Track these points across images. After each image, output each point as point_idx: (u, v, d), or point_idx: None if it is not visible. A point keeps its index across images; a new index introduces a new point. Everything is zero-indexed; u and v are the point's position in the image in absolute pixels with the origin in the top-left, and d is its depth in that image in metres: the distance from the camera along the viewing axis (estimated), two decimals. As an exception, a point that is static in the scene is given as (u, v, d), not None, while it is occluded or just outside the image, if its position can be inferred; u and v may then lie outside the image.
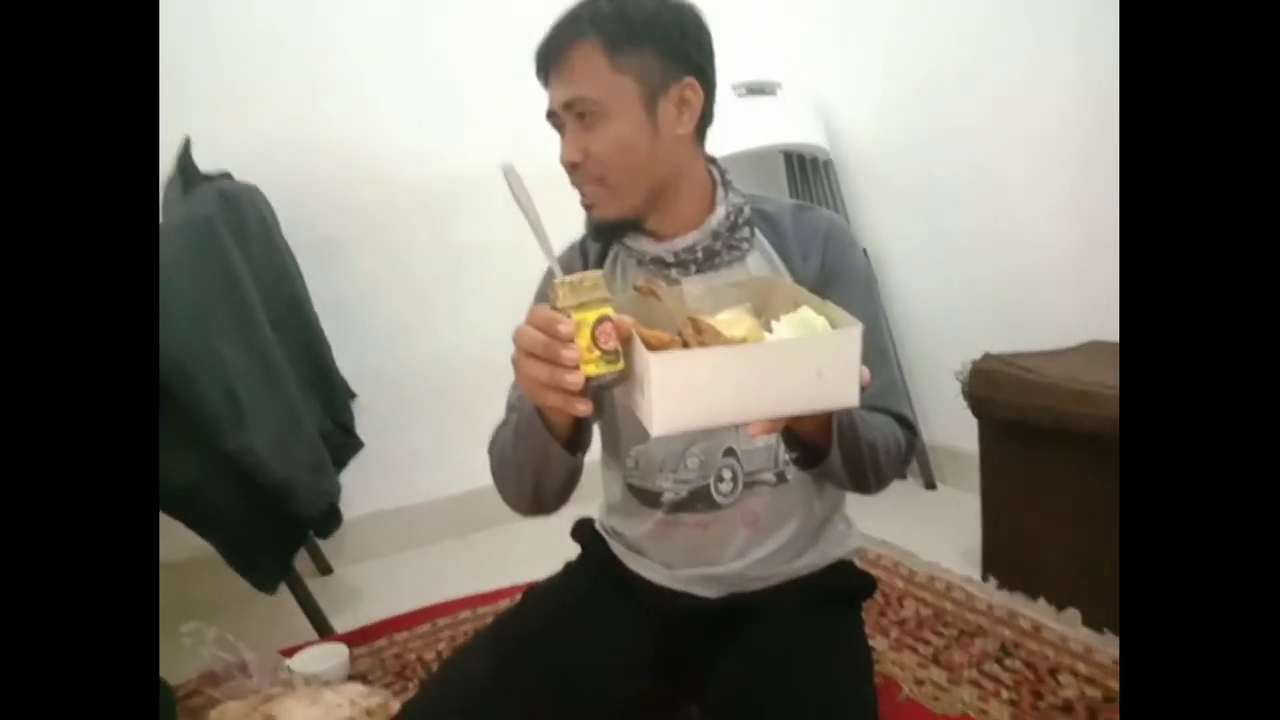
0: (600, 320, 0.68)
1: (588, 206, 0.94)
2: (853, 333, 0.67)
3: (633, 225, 0.96)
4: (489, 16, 2.07)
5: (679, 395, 0.66)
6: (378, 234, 2.04)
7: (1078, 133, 1.64)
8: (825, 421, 0.80)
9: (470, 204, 2.10)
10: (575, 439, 0.85)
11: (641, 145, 0.91)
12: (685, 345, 0.72)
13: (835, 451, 0.82)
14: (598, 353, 0.68)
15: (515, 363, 0.73)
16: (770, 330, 0.76)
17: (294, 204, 1.79)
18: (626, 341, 0.70)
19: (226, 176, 1.62)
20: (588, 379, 0.68)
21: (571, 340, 0.68)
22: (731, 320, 0.79)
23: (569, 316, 0.68)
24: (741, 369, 0.67)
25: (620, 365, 0.70)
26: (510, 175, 0.76)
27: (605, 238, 0.98)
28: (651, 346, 0.69)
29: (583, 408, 0.71)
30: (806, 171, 2.19)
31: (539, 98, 0.94)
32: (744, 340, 0.73)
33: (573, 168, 0.91)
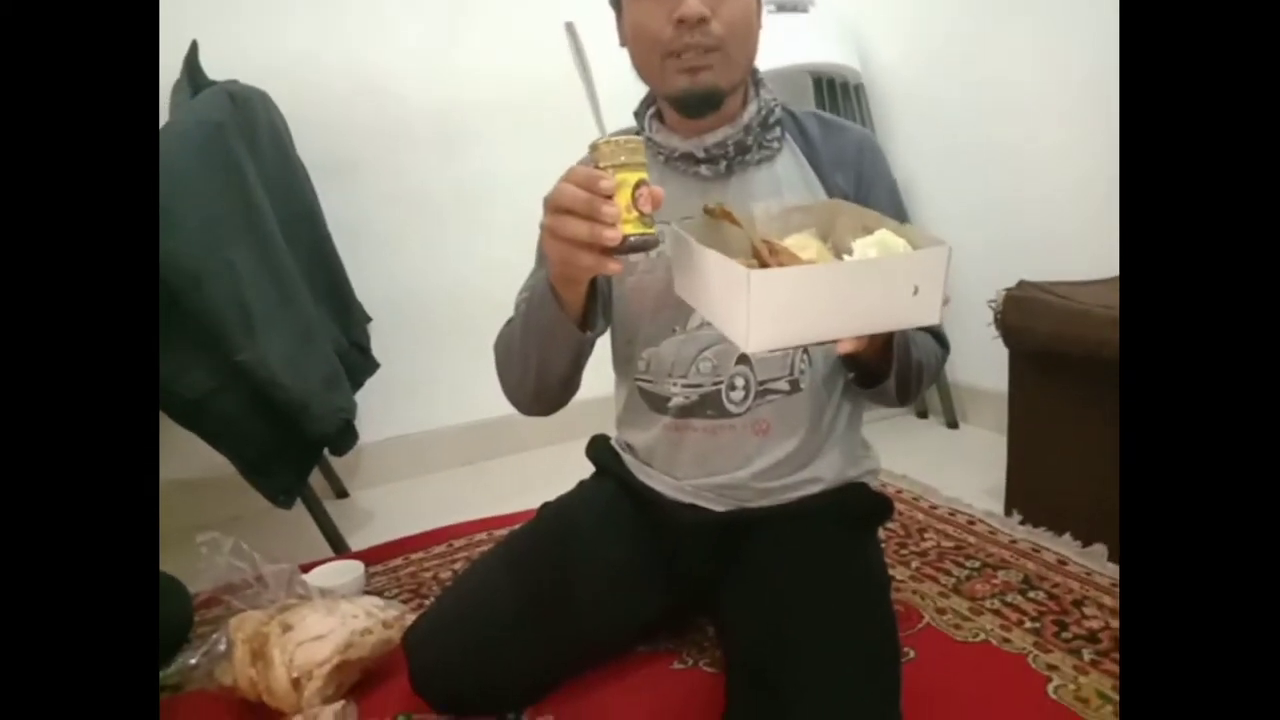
0: (640, 183, 0.68)
1: (695, 70, 0.88)
2: (943, 251, 0.67)
3: (719, 103, 0.92)
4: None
5: (777, 313, 0.65)
6: (389, 157, 1.98)
7: (1116, 56, 1.55)
8: (885, 343, 0.81)
9: (482, 132, 2.04)
10: (585, 319, 0.84)
11: (755, 22, 0.92)
12: (763, 266, 0.72)
13: (892, 372, 0.83)
14: (636, 213, 0.68)
15: (545, 226, 0.72)
16: (842, 254, 0.75)
17: (303, 122, 1.73)
18: (657, 208, 0.71)
19: (234, 83, 1.55)
20: (625, 237, 0.68)
21: (612, 197, 0.68)
22: (799, 244, 0.79)
23: (610, 176, 0.68)
24: (839, 287, 0.66)
25: (654, 230, 0.70)
26: (571, 32, 0.75)
27: (700, 109, 0.92)
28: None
29: (614, 267, 0.72)
30: (836, 95, 2.10)
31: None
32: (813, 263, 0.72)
33: (699, 23, 0.86)
